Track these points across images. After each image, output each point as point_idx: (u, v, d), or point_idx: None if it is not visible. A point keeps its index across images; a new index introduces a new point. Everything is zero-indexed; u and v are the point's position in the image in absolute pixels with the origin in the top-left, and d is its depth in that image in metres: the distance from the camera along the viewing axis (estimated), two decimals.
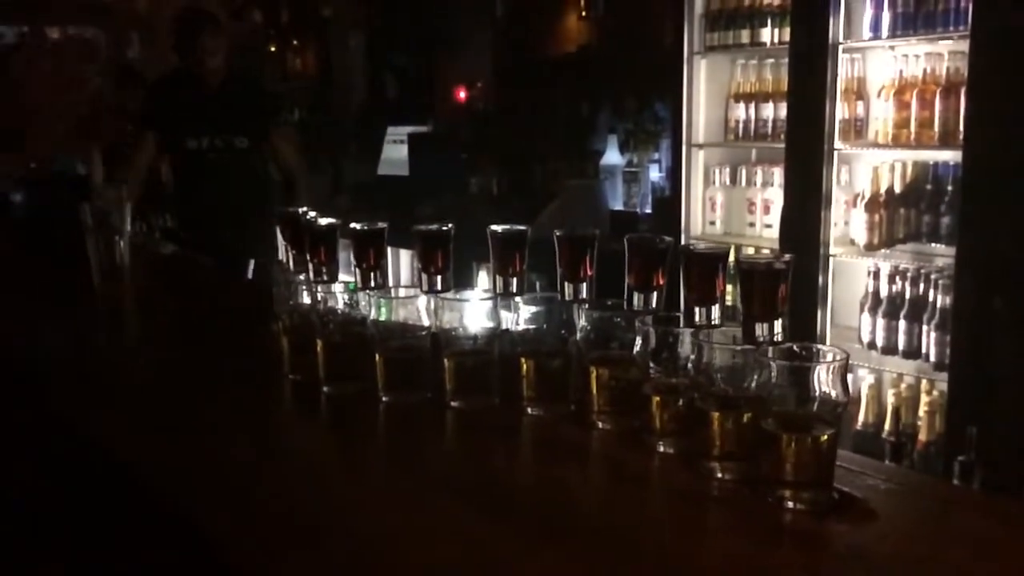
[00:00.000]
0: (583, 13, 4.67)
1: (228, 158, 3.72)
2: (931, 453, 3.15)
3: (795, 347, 1.14)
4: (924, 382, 3.30)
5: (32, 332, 2.02)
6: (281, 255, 1.76)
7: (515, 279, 1.46)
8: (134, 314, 2.28)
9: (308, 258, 1.59)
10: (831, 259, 3.51)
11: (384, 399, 1.46)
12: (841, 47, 3.38)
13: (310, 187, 4.12)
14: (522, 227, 1.47)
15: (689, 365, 1.22)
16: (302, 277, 1.61)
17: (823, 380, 1.09)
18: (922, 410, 3.25)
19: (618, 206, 4.42)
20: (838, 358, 1.10)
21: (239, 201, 3.70)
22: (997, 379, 2.74)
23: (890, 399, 3.37)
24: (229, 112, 3.73)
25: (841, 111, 3.44)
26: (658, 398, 1.27)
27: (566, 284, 1.44)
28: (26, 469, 1.63)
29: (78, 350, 1.89)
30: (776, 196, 3.75)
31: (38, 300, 2.32)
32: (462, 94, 5.68)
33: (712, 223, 4.01)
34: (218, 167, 3.71)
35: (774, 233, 3.66)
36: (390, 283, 1.56)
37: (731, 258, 1.29)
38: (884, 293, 3.39)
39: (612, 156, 4.52)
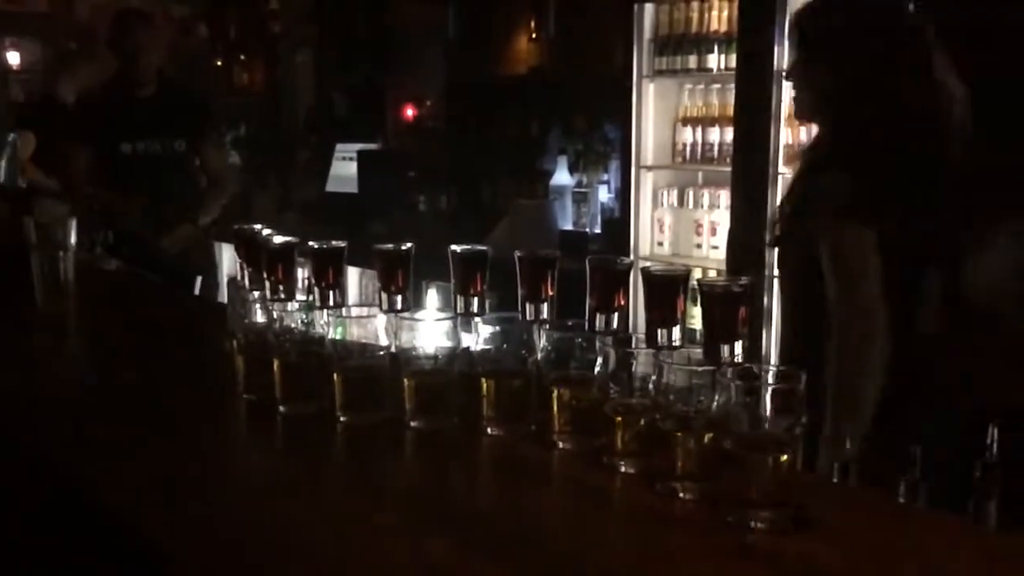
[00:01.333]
0: (534, 35, 4.72)
1: (164, 161, 3.67)
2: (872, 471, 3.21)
3: (755, 368, 1.16)
4: None
5: None
6: (232, 271, 1.73)
7: (475, 299, 1.47)
8: (80, 333, 2.22)
9: (265, 276, 1.57)
10: (775, 281, 3.58)
11: (342, 419, 1.44)
12: (784, 74, 3.46)
13: (236, 197, 4.13)
14: (483, 247, 1.48)
15: (650, 386, 1.23)
16: (257, 295, 1.59)
17: (781, 401, 1.11)
18: None
19: (567, 226, 4.45)
20: (796, 380, 1.13)
21: (177, 205, 3.64)
22: (936, 398, 2.80)
23: None
24: (164, 115, 3.68)
25: (785, 136, 3.53)
26: (619, 418, 1.28)
27: (527, 304, 1.44)
28: None
29: (23, 370, 1.84)
30: (723, 218, 3.81)
31: None
32: (411, 112, 5.68)
33: (660, 244, 4.07)
34: (155, 171, 3.65)
35: (721, 254, 3.72)
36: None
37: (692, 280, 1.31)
38: None
39: (562, 176, 4.56)
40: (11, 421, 1.54)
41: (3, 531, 1.46)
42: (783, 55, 3.43)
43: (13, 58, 7.65)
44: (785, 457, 1.11)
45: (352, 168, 5.31)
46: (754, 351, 3.51)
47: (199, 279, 3.38)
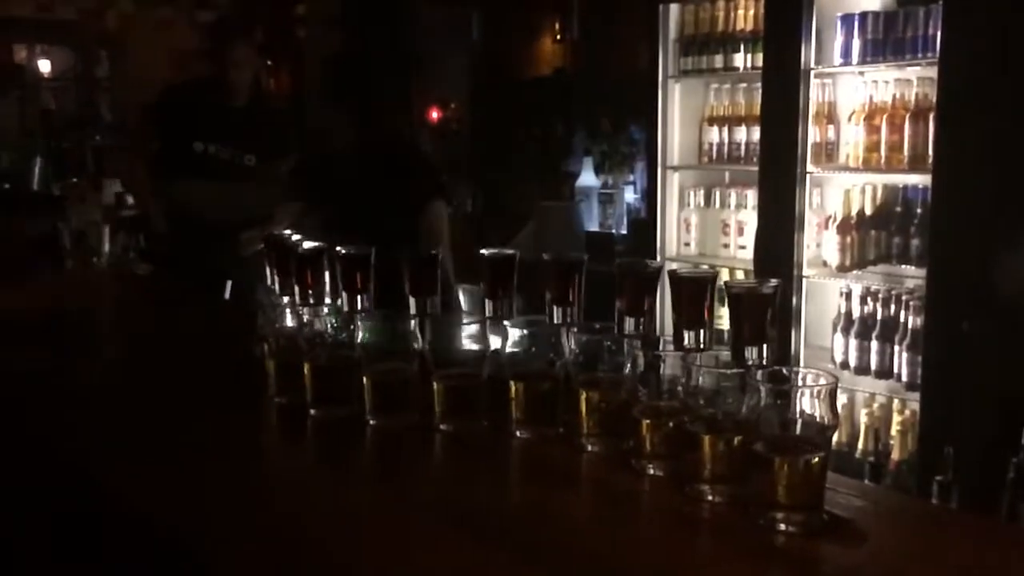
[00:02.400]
0: (558, 36, 4.72)
1: (231, 170, 3.64)
2: (904, 472, 3.19)
3: (784, 370, 1.16)
4: (896, 402, 3.34)
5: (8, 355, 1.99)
6: (267, 278, 1.74)
7: (504, 303, 1.47)
8: (113, 337, 2.26)
9: (294, 281, 1.58)
10: (804, 280, 3.56)
11: (372, 422, 1.46)
12: (812, 72, 3.44)
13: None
14: (511, 251, 1.48)
15: (678, 388, 1.23)
16: (287, 300, 1.61)
17: (812, 403, 1.11)
18: (894, 429, 3.29)
19: (593, 227, 4.45)
20: (827, 382, 1.12)
21: (229, 215, 3.59)
22: (968, 399, 2.78)
23: (863, 419, 3.41)
24: (248, 129, 3.66)
25: (812, 135, 3.50)
26: (647, 421, 1.28)
27: (554, 307, 1.44)
28: (9, 494, 1.61)
29: (56, 374, 1.87)
30: (750, 218, 3.79)
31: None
32: (436, 115, 5.71)
33: (687, 244, 4.05)
34: (218, 174, 3.61)
35: (748, 254, 3.71)
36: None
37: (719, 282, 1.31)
38: (856, 314, 3.44)
39: (587, 178, 4.56)
40: (43, 422, 1.57)
41: (37, 533, 1.49)
42: (811, 53, 3.41)
43: (44, 66, 7.77)
44: (816, 460, 1.11)
45: None
46: (784, 352, 3.50)
47: (229, 283, 3.39)
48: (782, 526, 1.10)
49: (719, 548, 1.12)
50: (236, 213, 3.49)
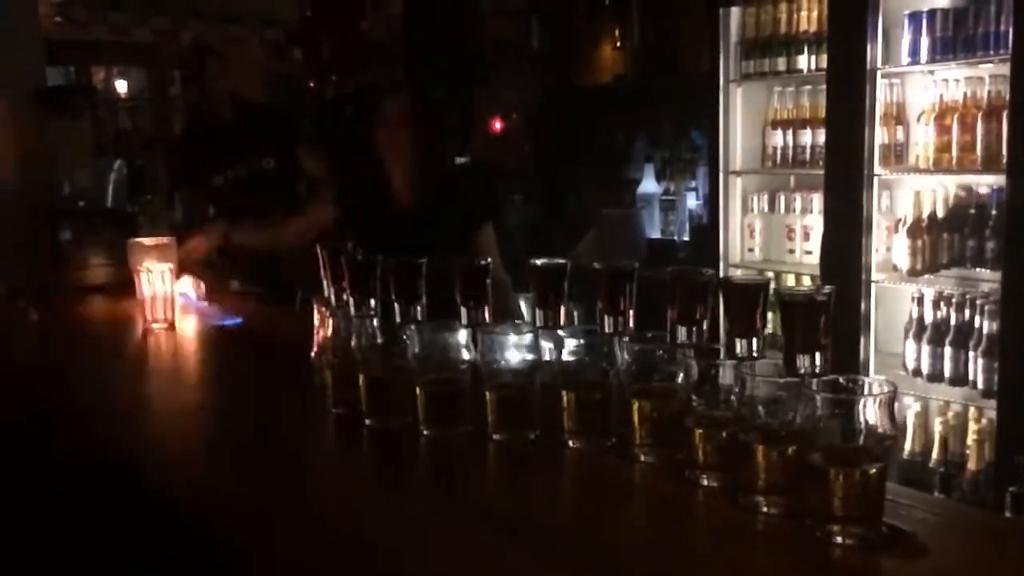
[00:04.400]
0: (618, 43, 4.70)
1: (255, 183, 3.72)
2: (980, 483, 3.07)
3: (841, 379, 1.13)
4: (972, 410, 3.22)
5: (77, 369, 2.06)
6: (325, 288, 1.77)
7: (556, 312, 1.47)
8: (184, 351, 2.31)
9: (348, 291, 1.60)
10: (873, 285, 3.46)
11: (425, 432, 1.47)
12: (879, 72, 3.36)
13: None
14: (562, 260, 1.48)
15: (732, 397, 1.21)
16: (341, 310, 1.63)
17: (870, 413, 1.08)
18: (970, 439, 3.18)
19: (655, 234, 4.41)
20: (885, 390, 1.09)
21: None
22: None
23: (937, 427, 3.30)
24: (246, 139, 3.72)
25: (880, 136, 3.41)
26: (701, 431, 1.26)
27: (606, 317, 1.43)
28: (72, 506, 1.66)
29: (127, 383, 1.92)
30: (816, 222, 3.71)
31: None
32: (498, 125, 5.73)
33: (751, 250, 3.98)
34: (246, 193, 3.70)
35: (814, 260, 3.62)
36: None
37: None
38: (929, 319, 3.33)
39: (649, 184, 4.52)
40: (107, 432, 1.62)
41: (97, 535, 1.53)
42: (877, 52, 3.33)
43: (121, 87, 8.04)
44: (874, 471, 1.08)
45: None
46: (852, 359, 3.41)
47: (300, 294, 3.44)
48: (839, 539, 1.07)
49: (773, 561, 1.09)
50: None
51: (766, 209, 3.93)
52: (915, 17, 3.28)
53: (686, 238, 4.29)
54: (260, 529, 1.20)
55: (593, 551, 1.12)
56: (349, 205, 2.93)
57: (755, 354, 1.25)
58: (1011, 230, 3.00)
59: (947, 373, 3.27)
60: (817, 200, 3.70)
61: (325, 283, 1.69)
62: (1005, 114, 3.02)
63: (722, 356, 1.27)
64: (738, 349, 1.24)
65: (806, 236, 3.81)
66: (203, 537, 1.25)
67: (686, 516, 1.23)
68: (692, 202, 4.35)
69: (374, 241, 2.70)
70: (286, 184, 3.84)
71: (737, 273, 3.97)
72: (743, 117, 3.92)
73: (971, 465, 3.14)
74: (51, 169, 3.22)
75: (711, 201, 4.01)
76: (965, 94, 3.25)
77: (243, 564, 1.15)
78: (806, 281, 3.78)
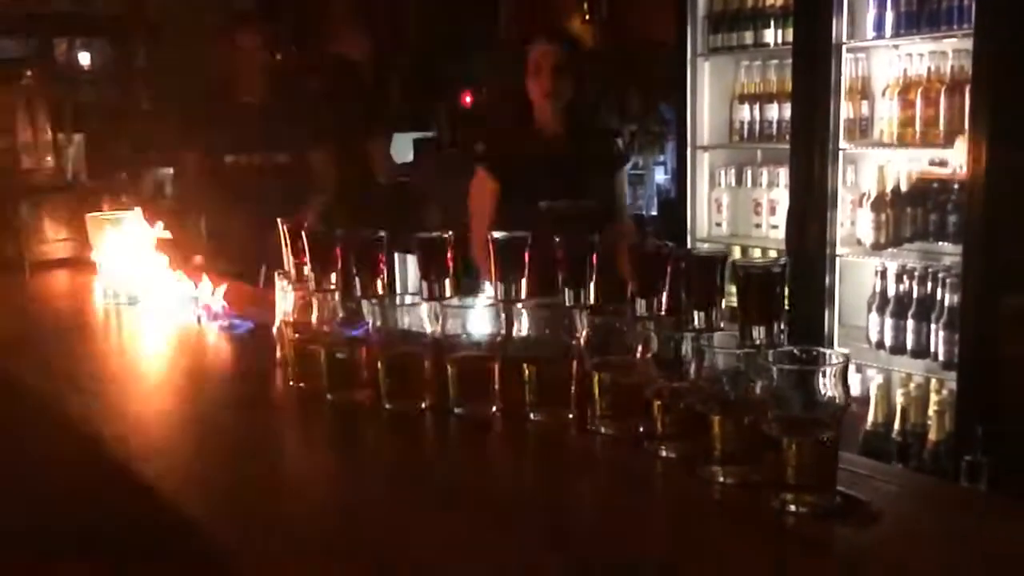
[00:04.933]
0: (587, 16, 4.68)
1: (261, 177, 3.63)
2: (941, 452, 3.13)
3: (795, 350, 1.14)
4: (933, 381, 3.27)
5: None
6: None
7: (516, 285, 1.46)
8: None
9: (310, 267, 1.59)
10: (838, 259, 3.50)
11: (387, 407, 1.46)
12: (844, 47, 3.37)
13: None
14: (522, 234, 1.47)
15: (690, 369, 1.22)
16: (301, 286, 1.62)
17: (824, 383, 1.09)
18: (931, 409, 3.23)
19: None
20: (838, 361, 1.10)
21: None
22: (1005, 377, 2.72)
23: (899, 399, 3.35)
24: (269, 129, 3.58)
25: (846, 111, 3.43)
26: (659, 402, 1.27)
27: (567, 289, 1.44)
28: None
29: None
30: (782, 197, 3.73)
31: None
32: (468, 99, 5.69)
33: (718, 224, 4.00)
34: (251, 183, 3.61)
35: (780, 234, 3.65)
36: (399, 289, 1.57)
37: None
38: (892, 292, 3.37)
39: None
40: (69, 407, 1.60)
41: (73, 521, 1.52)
42: (842, 27, 3.34)
43: (84, 59, 7.86)
44: (826, 440, 1.09)
45: (407, 156, 5.35)
46: (817, 332, 3.45)
47: (263, 270, 3.39)
48: (793, 507, 1.08)
49: (729, 530, 1.11)
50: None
51: (733, 183, 3.95)
52: None
53: (654, 212, 4.30)
54: (224, 507, 1.20)
55: (552, 522, 1.12)
56: (497, 149, 3.05)
57: (714, 326, 1.26)
58: (972, 204, 3.03)
59: (909, 345, 3.32)
60: (783, 174, 3.72)
61: (286, 258, 1.68)
62: (968, 89, 3.05)
63: (681, 328, 1.27)
64: (696, 321, 1.25)
65: (772, 210, 3.83)
66: (169, 515, 1.24)
67: (644, 487, 1.24)
68: (660, 176, 4.36)
69: (520, 183, 2.85)
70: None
71: (704, 247, 4.00)
72: (711, 91, 3.92)
73: (932, 435, 3.20)
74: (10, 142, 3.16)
75: (679, 175, 4.02)
76: (929, 69, 3.27)
77: (207, 542, 1.14)
78: (772, 255, 3.81)
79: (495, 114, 2.96)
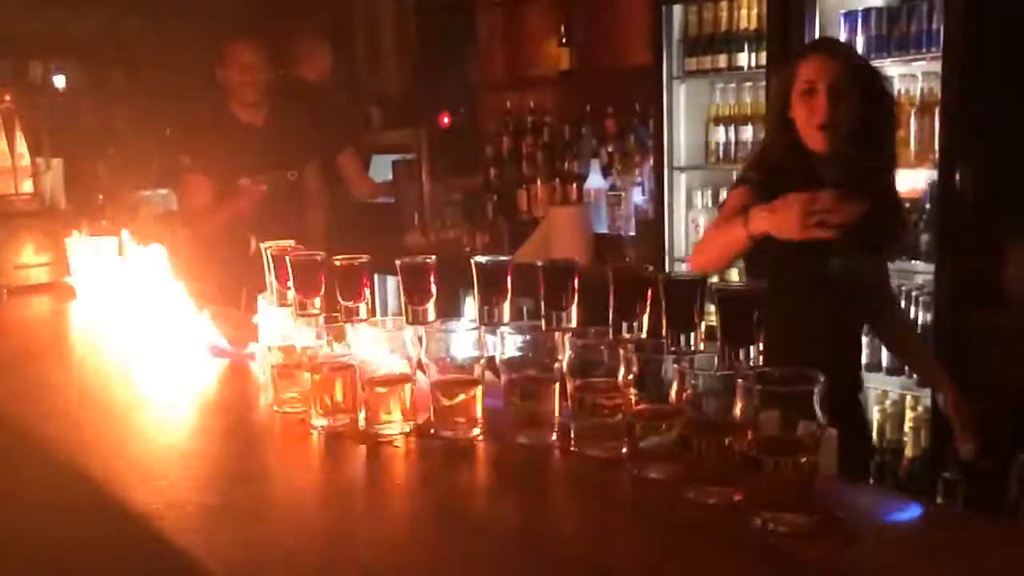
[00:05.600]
0: (563, 40, 4.72)
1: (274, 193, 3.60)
2: (917, 469, 3.17)
3: (775, 372, 1.16)
4: (908, 398, 3.32)
5: None
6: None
7: (499, 309, 1.48)
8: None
9: (293, 290, 1.60)
10: None
11: (370, 431, 1.47)
12: None
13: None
14: (505, 258, 1.49)
15: (671, 391, 1.23)
16: (280, 307, 1.63)
17: (801, 404, 1.11)
18: (907, 426, 3.27)
19: (602, 230, 4.44)
20: (817, 382, 1.12)
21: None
22: (977, 394, 2.76)
23: (876, 416, 3.40)
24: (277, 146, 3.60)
25: None
26: (642, 424, 1.29)
27: (550, 312, 1.45)
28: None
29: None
30: None
31: None
32: (446, 120, 5.71)
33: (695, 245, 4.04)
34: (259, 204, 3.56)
35: None
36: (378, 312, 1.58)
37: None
38: None
39: (595, 180, 4.55)
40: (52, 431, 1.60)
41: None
42: None
43: (59, 82, 7.83)
44: (805, 460, 1.11)
45: (388, 178, 5.36)
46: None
47: (244, 291, 3.37)
48: (771, 527, 1.10)
49: (710, 551, 1.12)
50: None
51: (710, 204, 4.00)
52: (850, 16, 3.36)
53: (632, 233, 4.33)
54: (205, 532, 1.20)
55: (535, 545, 1.13)
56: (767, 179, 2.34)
57: (695, 348, 1.28)
58: (942, 223, 3.09)
59: (884, 362, 3.36)
60: None
61: (269, 282, 1.68)
62: (937, 110, 3.12)
63: (662, 350, 1.29)
64: (677, 343, 1.27)
65: None
66: (151, 541, 1.24)
67: (627, 509, 1.26)
68: (638, 198, 4.39)
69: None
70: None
71: (683, 267, 4.03)
72: (686, 113, 3.98)
73: (908, 452, 3.24)
74: None
75: (656, 196, 4.06)
76: (899, 91, 3.33)
77: (190, 567, 1.14)
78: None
79: (769, 140, 2.36)
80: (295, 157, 3.70)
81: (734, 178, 3.96)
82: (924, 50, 3.18)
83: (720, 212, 2.48)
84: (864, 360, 3.40)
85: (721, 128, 3.90)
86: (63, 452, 1.52)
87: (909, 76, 3.31)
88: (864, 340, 3.39)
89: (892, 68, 3.35)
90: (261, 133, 3.64)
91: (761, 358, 1.20)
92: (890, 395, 3.39)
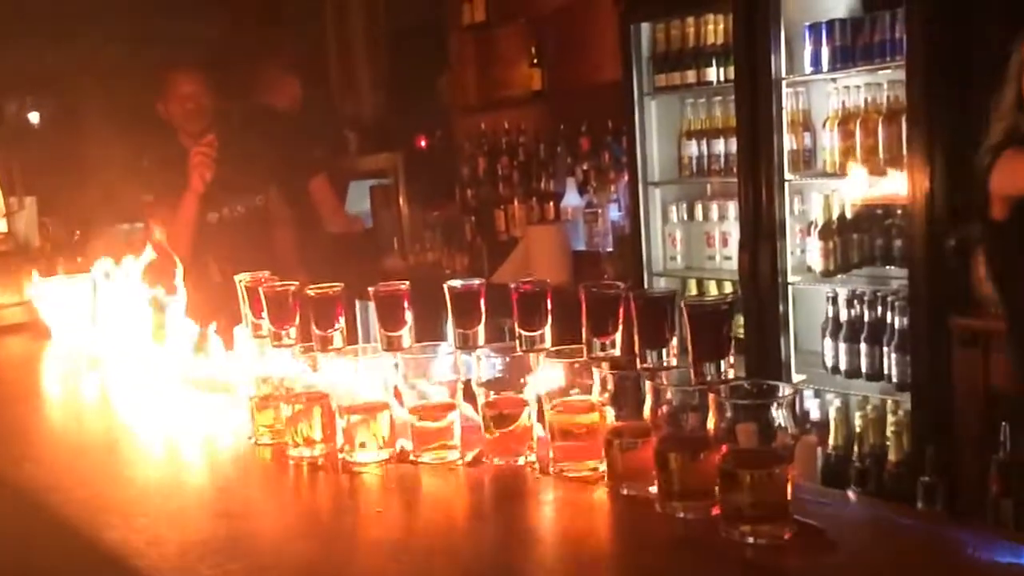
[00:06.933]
0: (534, 60, 4.76)
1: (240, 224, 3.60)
2: (900, 474, 3.19)
3: (747, 384, 1.17)
4: (889, 403, 3.34)
5: None
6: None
7: (474, 332, 1.49)
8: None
9: (268, 321, 1.60)
10: (790, 287, 3.57)
11: (347, 460, 1.47)
12: (784, 82, 3.48)
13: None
14: (477, 281, 1.50)
15: (646, 407, 1.24)
16: (258, 340, 1.63)
17: (774, 415, 1.12)
18: (889, 431, 3.29)
19: (580, 247, 4.47)
20: (787, 393, 1.14)
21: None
22: (955, 396, 2.80)
23: (857, 421, 3.42)
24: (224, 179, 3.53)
25: (789, 143, 3.53)
26: (618, 442, 1.29)
27: (523, 334, 1.46)
28: None
29: None
30: (733, 229, 3.81)
31: None
32: (423, 143, 5.74)
33: (673, 258, 4.07)
34: (231, 235, 3.54)
35: (734, 265, 3.72)
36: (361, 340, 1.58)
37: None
38: (844, 317, 3.45)
39: (572, 198, 4.58)
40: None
41: None
42: (780, 63, 3.45)
43: (34, 118, 7.80)
44: (779, 470, 1.12)
45: (365, 203, 5.37)
46: (774, 359, 3.51)
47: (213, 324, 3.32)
48: (750, 539, 1.11)
49: (690, 564, 1.12)
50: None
51: (685, 217, 4.03)
52: (815, 28, 3.41)
53: (610, 249, 4.35)
54: (187, 571, 1.19)
55: (516, 570, 1.14)
56: None
57: (667, 364, 1.29)
58: (913, 228, 3.13)
59: (864, 368, 3.39)
60: (733, 207, 3.80)
61: (243, 313, 1.68)
62: (904, 117, 3.16)
63: (636, 367, 1.30)
64: (650, 360, 1.28)
65: (724, 242, 3.91)
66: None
67: (606, 527, 1.26)
68: (615, 214, 4.42)
69: None
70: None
71: (661, 281, 4.06)
72: (658, 129, 4.02)
73: (891, 456, 3.26)
74: None
75: (632, 212, 4.09)
76: (866, 100, 3.39)
77: None
78: (727, 287, 3.89)
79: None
80: (253, 184, 3.67)
81: (708, 192, 4.04)
82: (889, 59, 3.23)
83: (1006, 163, 2.50)
84: (844, 367, 3.44)
85: (693, 142, 3.94)
86: (39, 492, 1.51)
87: (875, 85, 3.36)
88: (843, 347, 3.44)
89: (858, 78, 3.40)
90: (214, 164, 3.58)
91: (733, 370, 1.20)
92: (871, 401, 3.42)
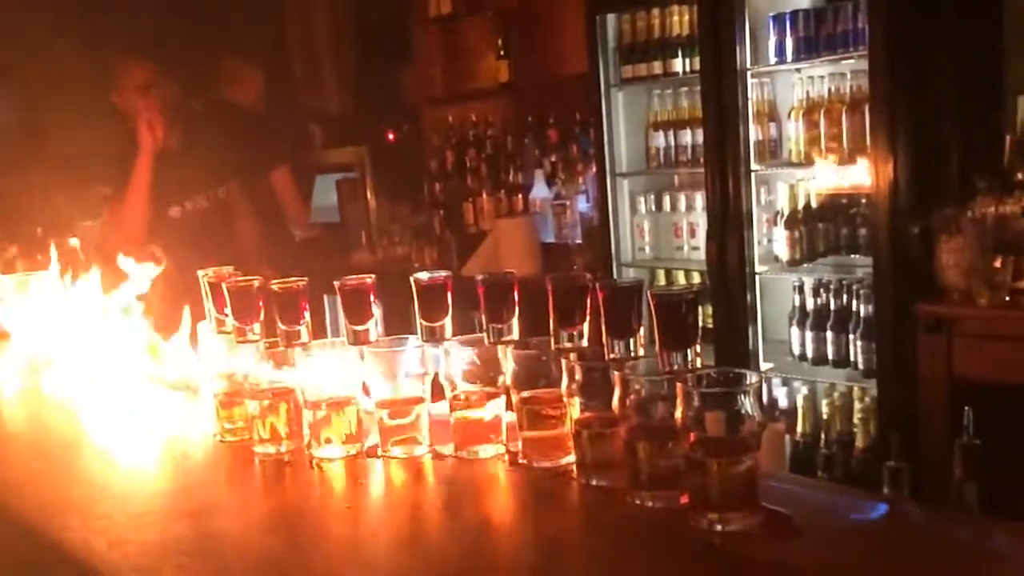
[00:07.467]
0: (501, 52, 4.74)
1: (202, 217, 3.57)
2: (867, 459, 3.22)
3: (712, 373, 1.17)
4: (856, 389, 3.38)
5: None
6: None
7: (440, 324, 1.48)
8: None
9: (232, 317, 1.57)
10: (757, 276, 3.59)
11: (314, 456, 1.45)
12: (749, 72, 3.49)
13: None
14: (443, 273, 1.49)
15: (614, 398, 1.24)
16: (220, 335, 1.60)
17: (740, 403, 1.12)
18: (856, 417, 3.33)
19: (550, 239, 4.46)
20: (752, 381, 1.14)
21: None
22: (919, 383, 2.83)
23: (824, 409, 3.45)
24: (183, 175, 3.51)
25: (755, 133, 3.55)
26: (586, 432, 1.29)
27: (491, 326, 1.45)
28: None
29: None
30: (701, 219, 3.83)
31: None
32: (390, 136, 5.70)
33: (642, 249, 4.08)
34: (194, 229, 3.52)
35: (702, 255, 3.73)
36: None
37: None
38: (810, 306, 3.48)
39: (540, 190, 4.57)
40: None
41: None
42: (745, 54, 3.46)
43: None
44: (747, 459, 1.12)
45: (332, 198, 5.33)
46: (742, 348, 3.53)
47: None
48: (718, 527, 1.11)
49: (659, 553, 1.12)
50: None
51: (653, 208, 4.04)
52: (779, 19, 3.43)
53: (579, 241, 4.36)
54: (150, 571, 1.17)
55: (487, 561, 1.13)
56: None
57: (634, 354, 1.29)
58: (877, 217, 3.16)
59: (831, 356, 3.42)
60: (700, 198, 3.82)
61: (207, 309, 1.66)
62: (867, 107, 3.19)
63: (604, 357, 1.30)
64: (617, 350, 1.28)
65: (692, 232, 3.93)
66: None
67: (574, 517, 1.26)
68: (583, 205, 4.42)
69: None
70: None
71: (630, 272, 4.07)
72: (626, 120, 4.02)
73: (859, 443, 3.30)
74: None
75: (600, 203, 4.09)
76: (829, 90, 3.41)
77: None
78: (695, 277, 3.90)
79: None
80: (213, 178, 3.63)
81: (675, 182, 4.05)
82: (852, 49, 3.26)
83: None
84: (811, 355, 3.47)
85: (660, 133, 3.95)
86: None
87: (839, 75, 3.39)
88: (809, 335, 3.47)
89: (821, 68, 3.43)
90: (173, 156, 3.53)
91: (699, 359, 1.21)
92: (838, 388, 3.45)
